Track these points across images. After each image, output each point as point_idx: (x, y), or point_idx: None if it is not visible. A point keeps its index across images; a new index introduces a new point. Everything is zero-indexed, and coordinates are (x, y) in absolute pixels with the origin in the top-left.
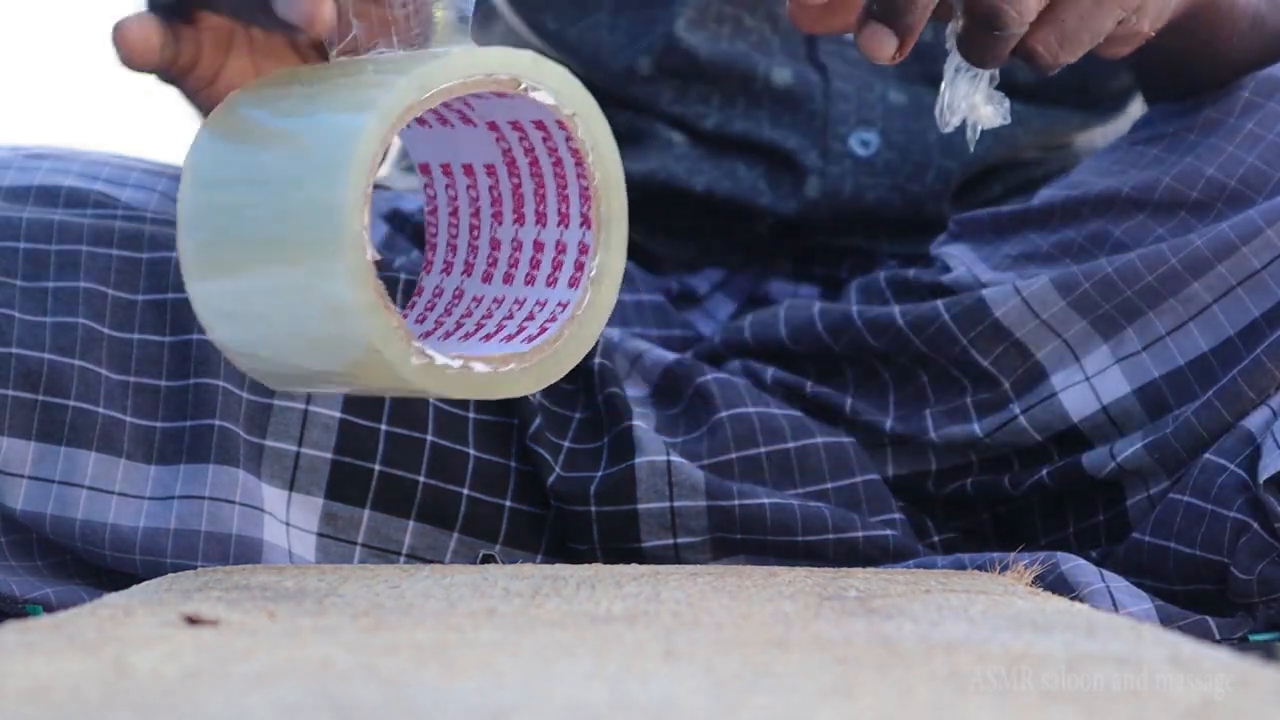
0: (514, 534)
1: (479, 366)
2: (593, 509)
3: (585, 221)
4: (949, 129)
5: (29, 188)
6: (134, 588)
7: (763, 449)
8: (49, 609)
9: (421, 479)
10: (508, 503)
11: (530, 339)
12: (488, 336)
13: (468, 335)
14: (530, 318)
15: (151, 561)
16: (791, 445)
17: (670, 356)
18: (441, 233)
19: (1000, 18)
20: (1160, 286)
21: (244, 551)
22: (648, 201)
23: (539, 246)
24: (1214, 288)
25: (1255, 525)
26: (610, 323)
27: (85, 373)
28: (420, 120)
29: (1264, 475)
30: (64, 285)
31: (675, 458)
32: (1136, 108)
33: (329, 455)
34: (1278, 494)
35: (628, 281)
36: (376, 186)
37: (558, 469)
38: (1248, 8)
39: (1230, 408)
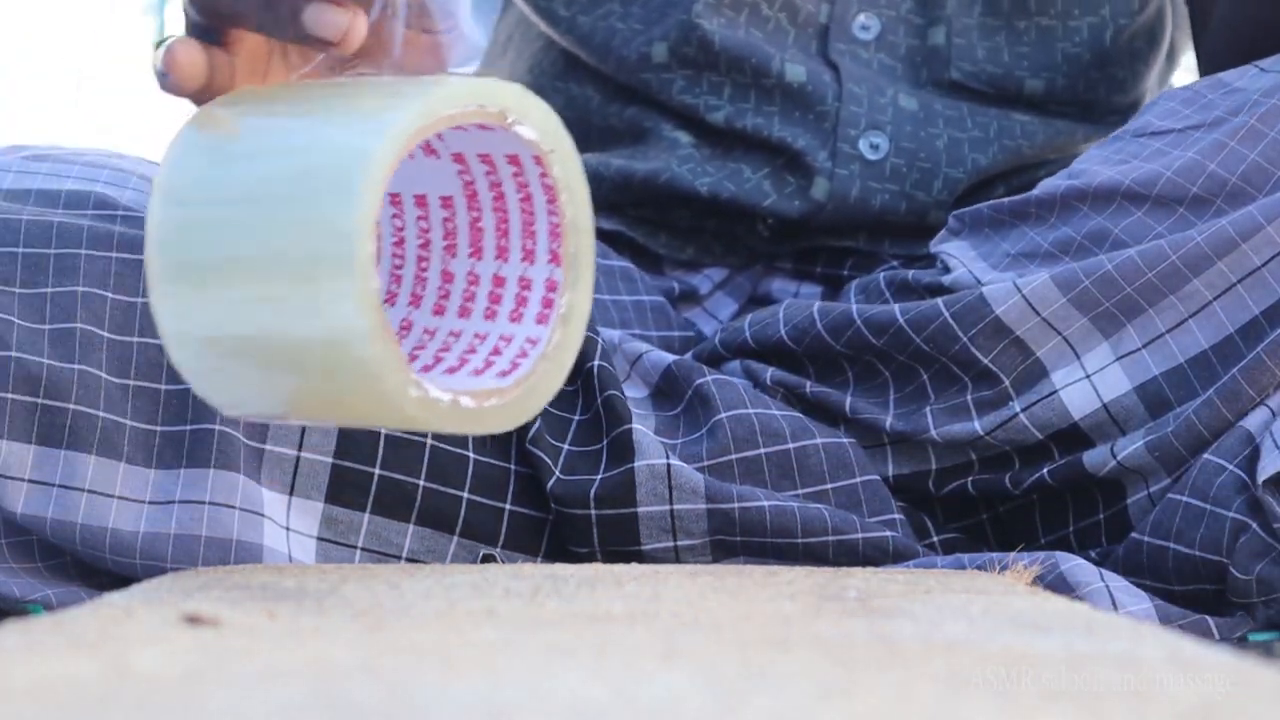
0: (514, 537)
1: (466, 401)
2: (592, 512)
3: (554, 258)
4: None
5: (28, 190)
6: (134, 587)
7: (762, 450)
8: (50, 610)
9: (421, 483)
10: (507, 506)
11: (502, 374)
12: (451, 370)
13: (426, 368)
14: (496, 352)
15: (152, 566)
16: (791, 446)
17: (669, 358)
18: (384, 263)
19: None
20: (1160, 284)
21: (244, 557)
22: (650, 202)
23: (499, 281)
24: (1214, 285)
25: (1254, 525)
26: (610, 324)
27: (85, 376)
28: None
29: (1263, 475)
30: (63, 289)
31: (675, 461)
32: None
33: (329, 459)
34: (1276, 494)
35: (628, 281)
36: None
37: (557, 472)
38: None
39: (1231, 406)
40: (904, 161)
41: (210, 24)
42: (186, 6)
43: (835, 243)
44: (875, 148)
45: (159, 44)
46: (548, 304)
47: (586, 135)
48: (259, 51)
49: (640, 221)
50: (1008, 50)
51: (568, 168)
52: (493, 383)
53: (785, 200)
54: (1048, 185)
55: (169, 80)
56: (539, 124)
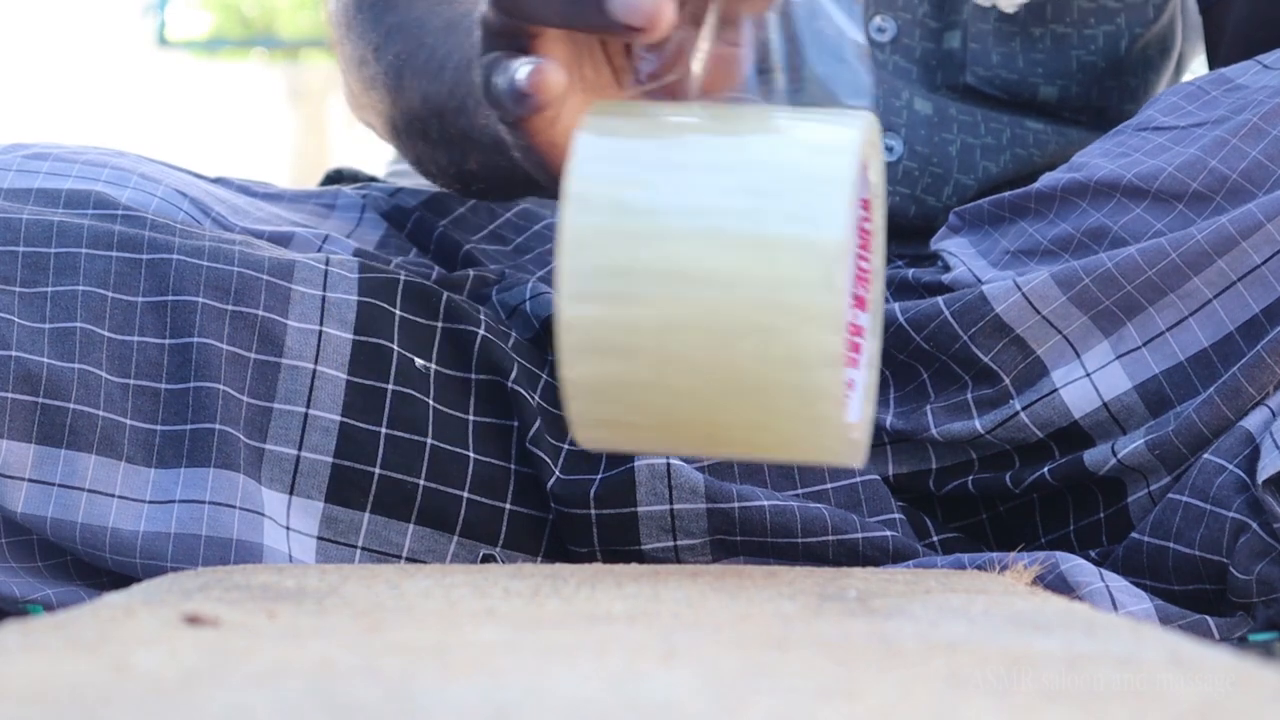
0: (514, 537)
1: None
2: (592, 512)
3: (858, 303)
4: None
5: (29, 189)
6: (134, 587)
7: None
8: (50, 610)
9: (421, 482)
10: (507, 506)
11: None
12: None
13: None
14: None
15: (152, 565)
16: None
17: None
18: None
19: None
20: (1160, 282)
21: (244, 556)
22: None
23: None
24: (1214, 283)
25: (1254, 525)
26: None
27: (85, 375)
28: None
29: (1262, 475)
30: (63, 289)
31: (675, 460)
32: None
33: (329, 459)
34: (1276, 494)
35: None
36: (371, 180)
37: (557, 472)
38: None
39: (1231, 404)
40: (917, 165)
41: (514, 25)
42: (488, 16)
43: None
44: (889, 150)
45: (487, 64)
46: (855, 348)
47: None
48: (567, 66)
49: None
50: (1022, 56)
51: (881, 213)
52: None
53: None
54: (1048, 179)
55: (532, 101)
56: (877, 167)
